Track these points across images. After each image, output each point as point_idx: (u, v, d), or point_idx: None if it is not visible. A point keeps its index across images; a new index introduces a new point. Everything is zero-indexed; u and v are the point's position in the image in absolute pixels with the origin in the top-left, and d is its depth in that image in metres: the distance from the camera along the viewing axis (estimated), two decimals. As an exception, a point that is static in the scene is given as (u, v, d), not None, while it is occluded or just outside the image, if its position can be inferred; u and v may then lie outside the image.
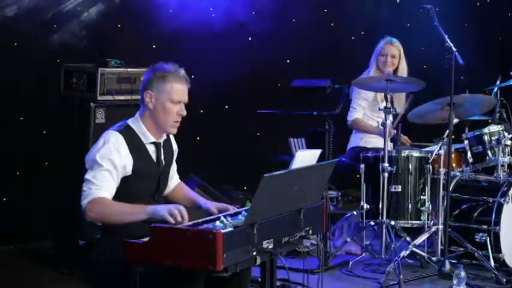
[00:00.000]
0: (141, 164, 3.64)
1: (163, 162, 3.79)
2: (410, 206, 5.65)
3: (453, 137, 5.40)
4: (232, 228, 3.15)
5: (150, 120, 3.71)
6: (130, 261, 3.22)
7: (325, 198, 5.58)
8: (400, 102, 6.25)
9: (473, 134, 5.81)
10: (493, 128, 5.77)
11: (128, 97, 5.30)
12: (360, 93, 6.23)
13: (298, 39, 7.54)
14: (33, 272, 5.33)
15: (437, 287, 5.21)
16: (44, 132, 5.93)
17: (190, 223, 3.32)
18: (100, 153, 3.55)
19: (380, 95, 6.14)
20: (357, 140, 6.39)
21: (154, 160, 3.74)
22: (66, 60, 5.58)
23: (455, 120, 5.45)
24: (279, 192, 3.29)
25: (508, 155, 5.72)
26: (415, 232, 5.68)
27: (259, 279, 3.55)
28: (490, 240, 5.43)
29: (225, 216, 3.35)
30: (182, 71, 3.72)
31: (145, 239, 3.18)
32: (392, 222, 5.51)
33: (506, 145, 5.68)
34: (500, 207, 5.48)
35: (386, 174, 5.51)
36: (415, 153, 5.71)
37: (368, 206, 5.68)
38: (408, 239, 5.51)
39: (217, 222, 3.27)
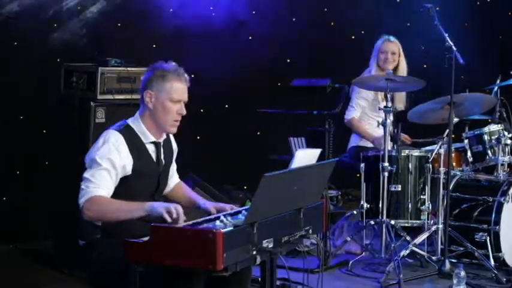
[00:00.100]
0: (141, 163, 3.64)
1: (163, 161, 3.79)
2: (410, 206, 5.64)
3: (453, 136, 5.40)
4: (232, 228, 3.15)
5: (150, 120, 3.71)
6: (131, 261, 3.22)
7: (325, 198, 5.58)
8: (401, 100, 6.26)
9: (473, 133, 5.81)
10: (493, 127, 5.78)
11: (128, 96, 5.30)
12: (359, 92, 6.24)
13: (298, 39, 7.54)
14: (33, 272, 5.32)
15: (437, 287, 5.20)
16: (44, 131, 5.94)
17: (190, 223, 3.32)
18: (99, 153, 3.55)
19: (381, 95, 6.15)
20: (357, 140, 6.39)
21: (154, 160, 3.74)
22: (66, 59, 5.58)
23: (455, 120, 5.45)
24: (279, 192, 3.29)
25: (508, 154, 5.73)
26: (415, 231, 5.68)
27: (259, 279, 3.55)
28: (490, 240, 5.43)
29: (225, 216, 3.35)
30: (182, 70, 3.72)
31: (146, 239, 3.18)
32: (392, 222, 5.51)
33: (506, 144, 5.68)
34: (500, 206, 5.48)
35: (386, 174, 5.51)
36: (415, 153, 5.71)
37: (368, 206, 5.68)
38: (408, 238, 5.51)
39: (217, 222, 3.27)
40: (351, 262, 5.53)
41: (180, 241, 3.08)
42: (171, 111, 3.67)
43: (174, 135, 3.87)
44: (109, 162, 3.53)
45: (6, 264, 5.47)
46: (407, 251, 5.39)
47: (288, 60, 7.57)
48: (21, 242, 5.80)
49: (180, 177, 4.08)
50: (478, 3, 8.65)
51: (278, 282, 4.07)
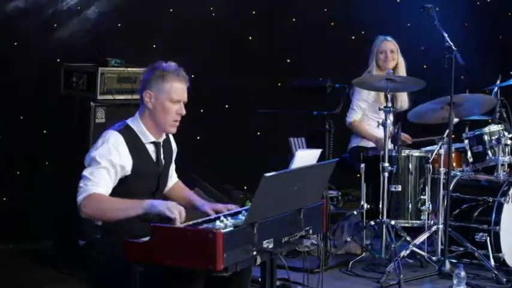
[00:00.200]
0: (140, 163, 3.64)
1: (163, 161, 3.79)
2: (410, 206, 5.64)
3: (453, 136, 5.40)
4: (232, 228, 3.15)
5: (149, 120, 3.71)
6: (131, 261, 3.21)
7: (325, 198, 5.58)
8: (405, 100, 6.26)
9: (474, 134, 5.81)
10: (493, 127, 5.78)
11: (128, 96, 5.31)
12: (360, 94, 6.23)
13: (298, 39, 7.54)
14: (33, 271, 5.32)
15: (437, 287, 5.20)
16: (44, 132, 5.94)
17: (190, 223, 3.32)
18: (99, 153, 3.55)
19: (383, 95, 6.14)
20: (357, 140, 6.39)
21: (154, 160, 3.74)
22: (66, 59, 5.58)
23: (456, 120, 5.45)
24: (279, 192, 3.29)
25: (508, 155, 5.73)
26: (415, 232, 5.67)
27: (260, 279, 3.55)
28: (490, 240, 5.43)
29: (225, 216, 3.35)
30: (181, 70, 3.71)
31: (146, 239, 3.18)
32: (393, 222, 5.51)
33: (506, 145, 5.68)
34: (500, 206, 5.48)
35: (386, 174, 5.51)
36: (415, 153, 5.71)
37: (368, 206, 5.68)
38: (408, 238, 5.51)
39: (218, 222, 3.26)
40: (351, 262, 5.53)
41: (180, 241, 3.08)
42: (171, 111, 3.67)
43: (174, 135, 3.87)
44: (108, 161, 3.53)
45: (6, 264, 5.47)
46: (408, 251, 5.39)
47: (288, 60, 7.57)
48: (21, 242, 5.80)
49: (180, 178, 4.07)
50: (478, 3, 8.64)
51: (278, 283, 4.06)
